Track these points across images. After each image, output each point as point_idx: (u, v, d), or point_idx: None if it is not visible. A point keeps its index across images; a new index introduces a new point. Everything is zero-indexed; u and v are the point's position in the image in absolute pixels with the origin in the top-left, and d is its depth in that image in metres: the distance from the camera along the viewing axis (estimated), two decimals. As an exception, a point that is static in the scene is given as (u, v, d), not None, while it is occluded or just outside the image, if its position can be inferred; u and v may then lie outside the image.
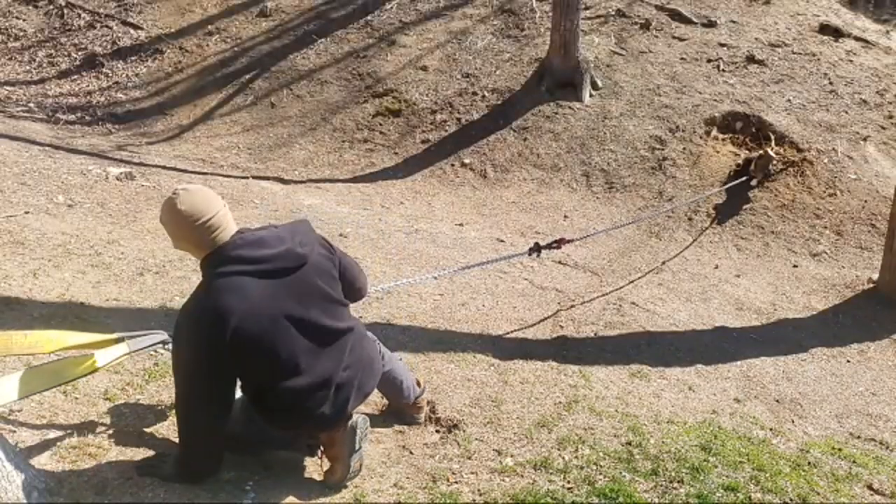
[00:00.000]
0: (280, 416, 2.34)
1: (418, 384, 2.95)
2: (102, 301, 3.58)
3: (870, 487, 3.00)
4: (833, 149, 6.89)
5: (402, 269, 4.80)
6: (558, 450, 2.89)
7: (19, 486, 2.06)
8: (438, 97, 7.99)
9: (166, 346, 2.59)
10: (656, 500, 2.60)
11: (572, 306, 4.65)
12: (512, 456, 2.82)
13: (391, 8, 9.34)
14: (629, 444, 2.99)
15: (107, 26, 9.81)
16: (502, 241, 5.78)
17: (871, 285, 5.45)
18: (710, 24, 8.60)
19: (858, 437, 3.64)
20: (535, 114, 7.58)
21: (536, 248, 4.17)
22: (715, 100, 7.50)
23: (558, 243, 4.24)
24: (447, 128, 7.66)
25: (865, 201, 6.41)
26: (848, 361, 4.54)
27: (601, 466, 2.79)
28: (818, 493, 2.82)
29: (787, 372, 4.25)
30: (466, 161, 7.26)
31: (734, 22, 8.65)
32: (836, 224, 6.27)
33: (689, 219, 6.42)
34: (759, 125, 7.22)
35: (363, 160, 7.46)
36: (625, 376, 3.81)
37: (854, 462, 3.21)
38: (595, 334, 4.32)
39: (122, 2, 10.15)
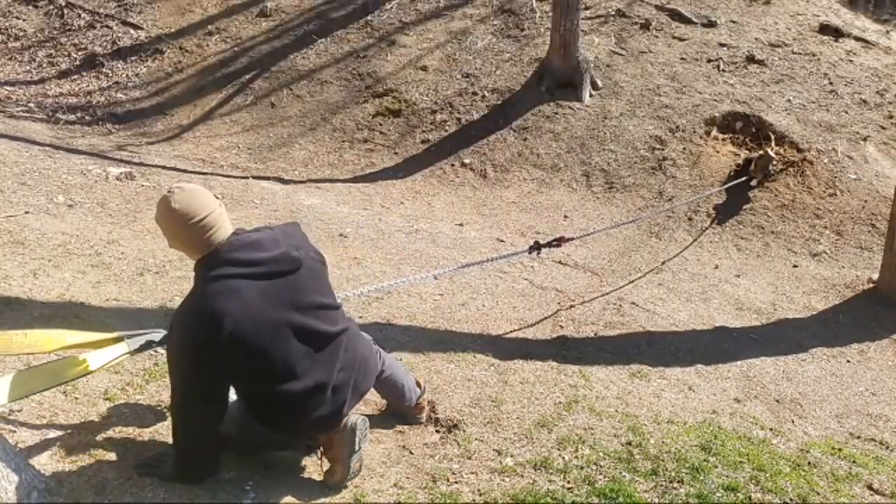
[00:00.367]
0: (277, 419, 2.33)
1: (418, 385, 2.95)
2: (102, 301, 3.58)
3: (870, 487, 3.00)
4: (833, 149, 6.90)
5: (402, 269, 4.80)
6: (558, 450, 2.89)
7: (19, 486, 2.06)
8: (438, 97, 7.99)
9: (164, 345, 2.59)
10: (656, 500, 2.60)
11: (572, 306, 4.65)
12: (512, 456, 2.82)
13: (391, 8, 9.34)
14: (629, 444, 2.99)
15: (107, 26, 9.81)
16: (502, 241, 5.78)
17: (871, 285, 5.45)
18: (710, 24, 8.60)
19: (858, 437, 3.64)
20: (535, 114, 7.58)
21: (536, 247, 4.17)
22: (715, 100, 7.50)
23: (558, 242, 4.24)
24: (447, 128, 7.66)
25: (865, 201, 6.41)
26: (848, 361, 4.54)
27: (601, 466, 2.79)
28: (818, 493, 2.82)
29: (787, 372, 4.25)
30: (466, 161, 7.26)
31: (734, 22, 8.65)
32: (836, 224, 6.27)
33: (689, 219, 6.42)
34: (759, 125, 7.23)
35: (363, 160, 7.46)
36: (625, 376, 3.80)
37: (854, 462, 3.21)
38: (595, 334, 4.32)
39: (122, 2, 10.15)
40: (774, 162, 6.67)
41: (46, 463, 2.33)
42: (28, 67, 9.33)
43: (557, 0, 7.60)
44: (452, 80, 8.17)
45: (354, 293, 3.65)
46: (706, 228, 6.31)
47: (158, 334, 2.59)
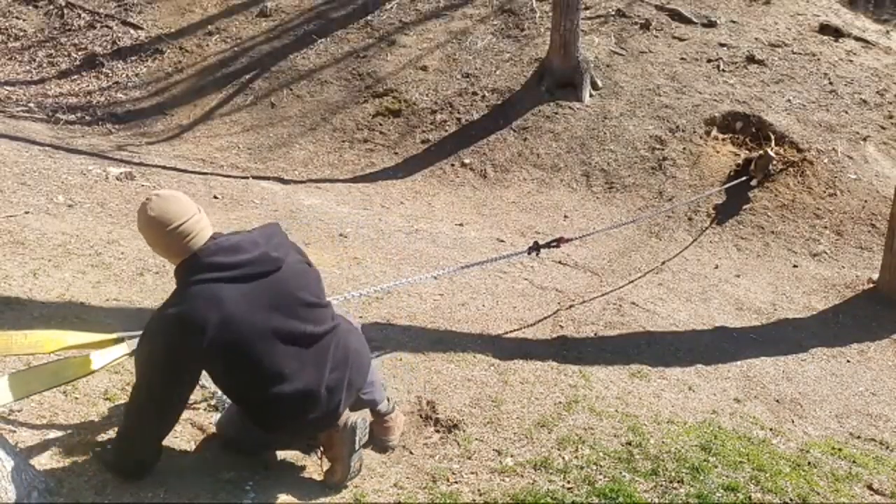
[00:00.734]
0: (272, 422, 2.32)
1: (388, 401, 2.78)
2: (102, 301, 3.58)
3: (870, 487, 3.00)
4: (833, 149, 6.89)
5: (402, 269, 4.80)
6: (558, 450, 2.89)
7: (19, 486, 2.06)
8: (438, 97, 7.99)
9: None
10: (656, 500, 2.60)
11: (572, 306, 4.65)
12: (512, 456, 2.82)
13: (391, 8, 9.35)
14: (629, 444, 2.99)
15: (107, 26, 9.81)
16: (502, 241, 5.78)
17: (871, 285, 5.45)
18: (710, 24, 8.60)
19: (858, 437, 3.64)
20: (535, 114, 7.58)
21: (536, 247, 4.17)
22: (715, 100, 7.50)
23: (558, 242, 4.24)
24: (447, 128, 7.66)
25: (865, 201, 6.41)
26: (848, 361, 4.54)
27: (601, 466, 2.79)
28: (818, 493, 2.82)
29: (787, 372, 4.25)
30: (466, 161, 7.26)
31: (734, 22, 8.65)
32: (836, 224, 6.27)
33: (689, 219, 6.42)
34: (759, 125, 7.22)
35: (363, 160, 7.46)
36: (625, 376, 3.80)
37: (854, 462, 3.21)
38: (595, 334, 4.32)
39: (122, 2, 10.15)
40: (774, 162, 6.67)
41: (46, 463, 2.32)
42: (28, 67, 9.33)
43: (557, 0, 7.60)
44: (452, 80, 8.17)
45: (354, 293, 3.65)
46: (706, 228, 6.31)
47: None
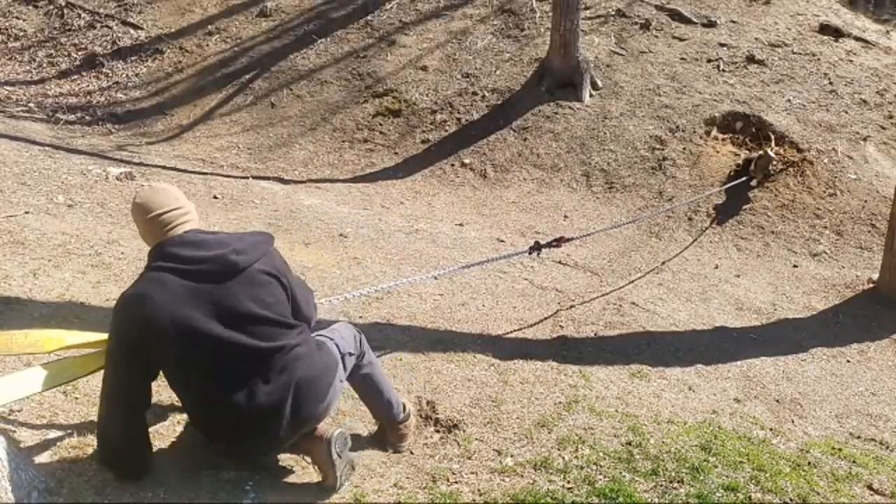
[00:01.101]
0: (205, 429, 2.31)
1: (404, 409, 2.80)
2: (102, 301, 3.58)
3: (870, 487, 3.00)
4: (833, 149, 6.90)
5: (402, 269, 4.80)
6: (558, 450, 2.89)
7: (19, 486, 2.06)
8: (438, 97, 7.99)
9: None
10: (656, 500, 2.60)
11: (572, 306, 4.65)
12: (512, 456, 2.82)
13: (391, 8, 9.35)
14: (629, 444, 2.99)
15: (107, 26, 9.81)
16: (502, 241, 5.78)
17: (871, 285, 5.45)
18: (710, 24, 8.60)
19: (858, 437, 3.64)
20: (535, 114, 7.58)
21: (536, 247, 4.17)
22: (715, 100, 7.50)
23: (558, 242, 4.25)
24: (447, 128, 7.66)
25: (865, 201, 6.41)
26: (848, 361, 4.54)
27: (601, 466, 2.79)
28: (818, 493, 2.82)
29: (787, 372, 4.25)
30: (466, 161, 7.26)
31: (734, 22, 8.65)
32: (836, 224, 6.27)
33: (689, 219, 6.42)
34: (759, 125, 7.23)
35: (363, 160, 7.46)
36: (625, 376, 3.80)
37: (854, 462, 3.21)
38: (595, 334, 4.32)
39: (122, 2, 10.15)
40: (774, 162, 6.67)
41: (46, 463, 2.32)
42: (28, 67, 9.33)
43: (557, 0, 7.60)
44: (452, 80, 8.17)
45: (354, 293, 3.65)
46: (706, 228, 6.31)
47: None
